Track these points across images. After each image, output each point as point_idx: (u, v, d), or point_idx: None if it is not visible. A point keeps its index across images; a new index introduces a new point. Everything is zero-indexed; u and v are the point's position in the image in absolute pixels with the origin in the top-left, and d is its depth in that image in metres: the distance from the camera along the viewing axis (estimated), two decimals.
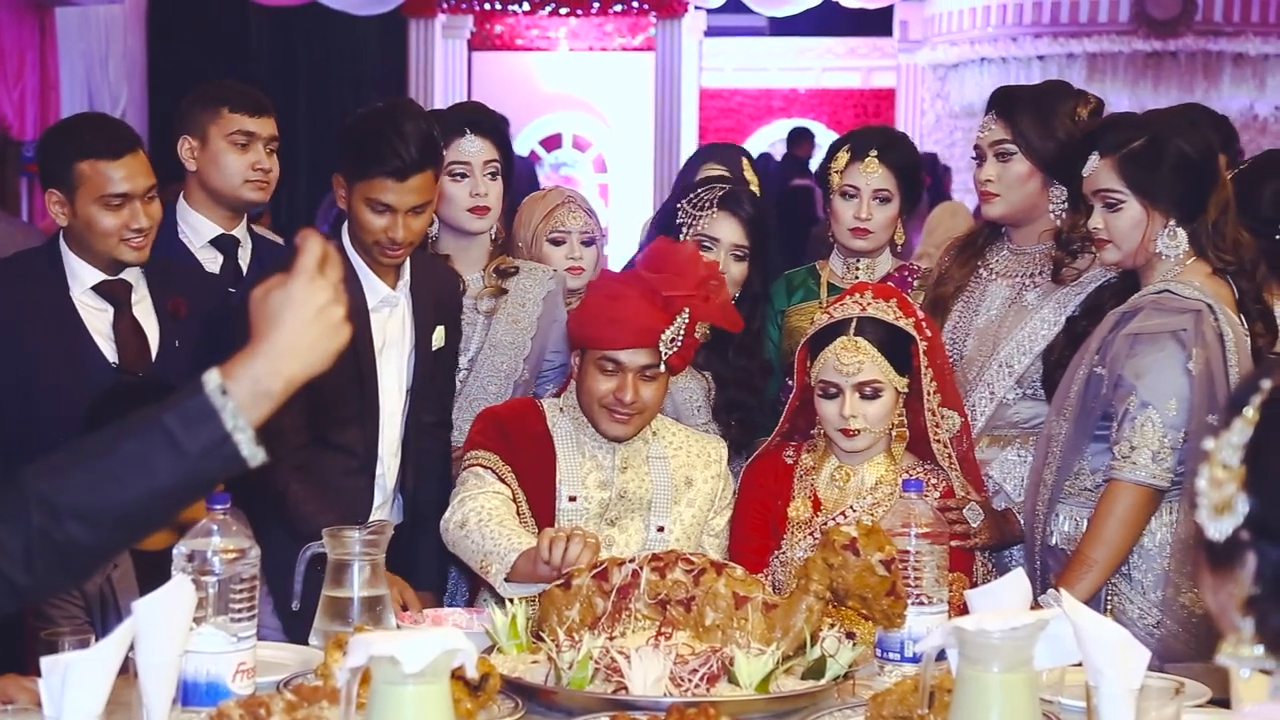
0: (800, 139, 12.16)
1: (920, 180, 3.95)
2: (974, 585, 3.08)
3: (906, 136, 4.06)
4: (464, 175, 3.66)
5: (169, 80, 11.09)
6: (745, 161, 4.16)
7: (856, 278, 3.73)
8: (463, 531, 2.99)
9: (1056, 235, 3.49)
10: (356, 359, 3.28)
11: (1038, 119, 3.47)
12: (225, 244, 3.82)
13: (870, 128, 4.08)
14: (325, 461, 3.34)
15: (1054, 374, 3.33)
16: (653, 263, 3.16)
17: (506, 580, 2.85)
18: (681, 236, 3.56)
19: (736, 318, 3.28)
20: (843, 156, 3.74)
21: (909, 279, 3.77)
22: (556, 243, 3.86)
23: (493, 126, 3.76)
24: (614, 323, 3.07)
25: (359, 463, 3.38)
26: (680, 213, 3.62)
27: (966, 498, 3.19)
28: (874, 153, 3.71)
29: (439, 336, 3.47)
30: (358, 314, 3.27)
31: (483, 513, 2.99)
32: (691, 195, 3.65)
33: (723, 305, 3.17)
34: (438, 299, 3.48)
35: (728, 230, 3.58)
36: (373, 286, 3.37)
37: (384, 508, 3.42)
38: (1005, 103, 3.54)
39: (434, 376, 3.49)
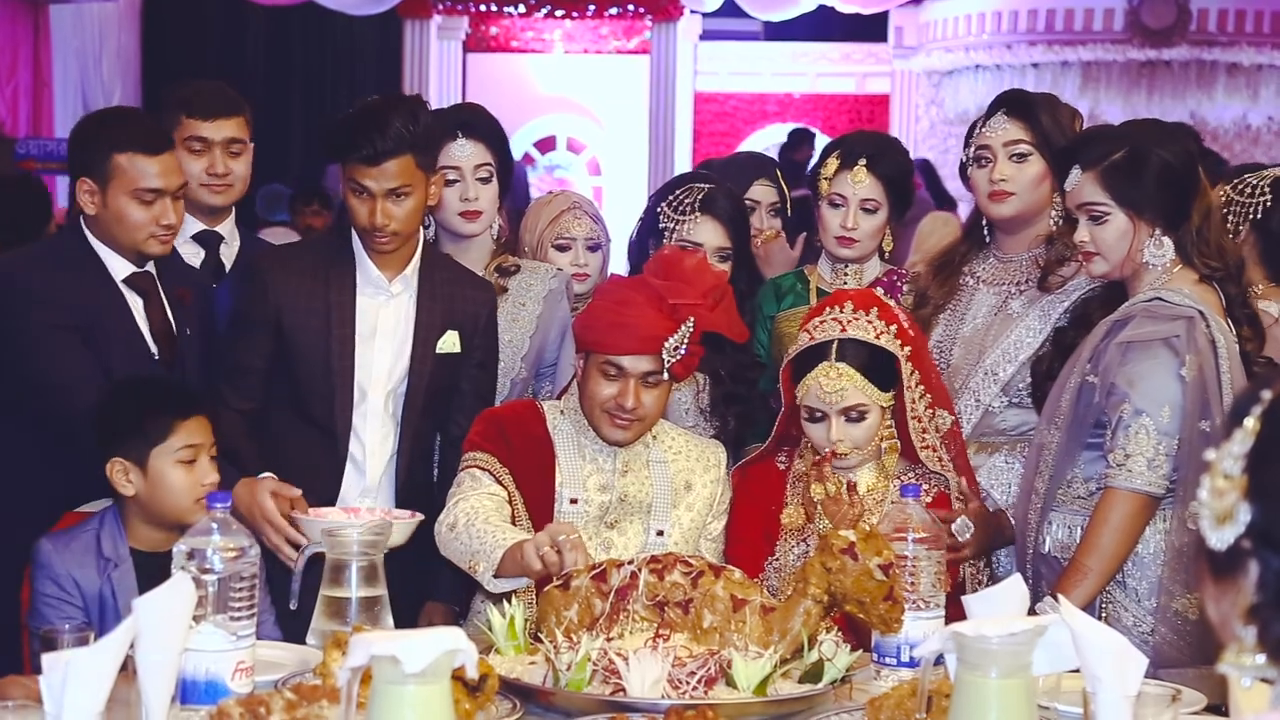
0: (799, 142, 11.85)
1: (911, 188, 3.92)
2: (959, 585, 3.08)
3: (898, 143, 4.00)
4: (455, 180, 3.66)
5: (162, 78, 11.02)
6: (777, 174, 4.16)
7: (845, 283, 3.71)
8: (452, 533, 2.99)
9: (1049, 240, 3.49)
10: (329, 336, 3.37)
11: (1054, 120, 3.49)
12: (207, 239, 3.85)
13: (862, 134, 4.01)
14: (299, 434, 3.40)
15: (1043, 385, 3.33)
16: (660, 270, 3.16)
17: (495, 577, 2.85)
18: (664, 241, 3.56)
19: (742, 327, 3.28)
20: (832, 163, 3.71)
21: (898, 283, 3.74)
22: (562, 248, 3.84)
23: (485, 129, 3.74)
24: (618, 327, 3.07)
25: (331, 441, 3.40)
26: (661, 217, 3.63)
27: (955, 512, 3.16)
28: (863, 162, 3.67)
29: (450, 342, 3.45)
30: (343, 293, 3.41)
31: (472, 513, 2.98)
32: (670, 198, 3.65)
33: (728, 314, 3.18)
34: (452, 304, 3.47)
35: (710, 233, 3.60)
36: (366, 271, 3.42)
37: (368, 497, 3.40)
38: (1020, 104, 3.54)
39: (463, 389, 3.49)
